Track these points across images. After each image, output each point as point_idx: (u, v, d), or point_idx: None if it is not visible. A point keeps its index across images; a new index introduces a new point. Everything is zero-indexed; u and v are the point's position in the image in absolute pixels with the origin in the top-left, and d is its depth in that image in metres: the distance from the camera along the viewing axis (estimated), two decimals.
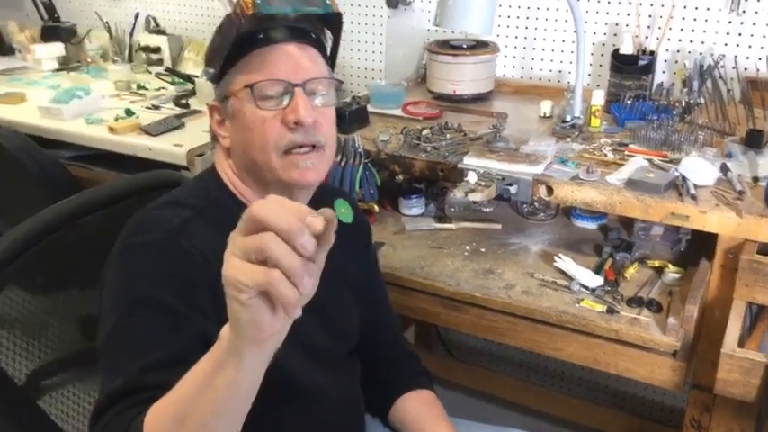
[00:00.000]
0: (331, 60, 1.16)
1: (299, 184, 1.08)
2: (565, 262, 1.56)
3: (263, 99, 1.04)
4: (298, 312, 0.67)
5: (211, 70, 1.10)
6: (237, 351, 0.70)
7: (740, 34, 1.93)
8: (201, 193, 1.11)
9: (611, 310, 1.41)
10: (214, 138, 1.15)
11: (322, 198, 1.16)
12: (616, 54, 1.96)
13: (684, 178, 1.48)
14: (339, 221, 0.68)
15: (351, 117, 1.86)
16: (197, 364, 0.76)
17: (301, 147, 1.06)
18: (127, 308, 0.97)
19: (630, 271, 1.54)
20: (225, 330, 0.71)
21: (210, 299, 0.96)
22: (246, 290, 0.64)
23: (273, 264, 0.63)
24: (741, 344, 1.30)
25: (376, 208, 1.83)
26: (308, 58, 1.07)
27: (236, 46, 1.05)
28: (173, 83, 2.58)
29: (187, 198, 1.09)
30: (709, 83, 1.85)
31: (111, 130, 2.07)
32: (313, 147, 1.07)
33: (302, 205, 0.67)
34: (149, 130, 2.06)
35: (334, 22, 1.15)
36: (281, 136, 1.04)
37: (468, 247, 1.70)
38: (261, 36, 1.05)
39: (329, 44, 1.15)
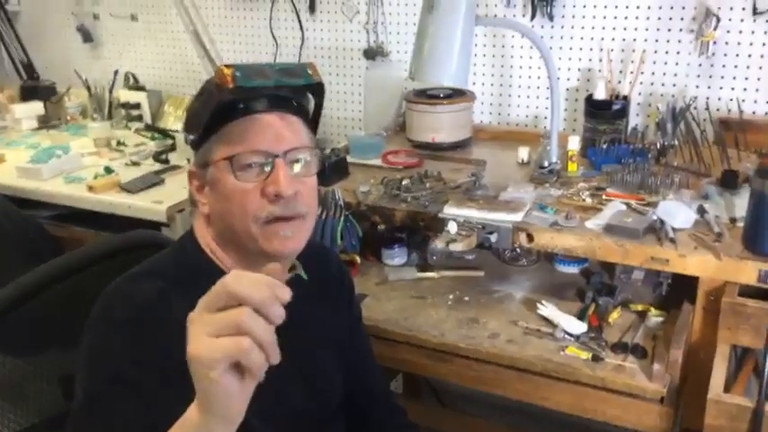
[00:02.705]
0: (314, 124, 1.15)
1: (279, 254, 1.06)
2: (548, 309, 1.56)
3: (243, 169, 1.02)
4: (261, 376, 0.69)
5: (191, 136, 1.09)
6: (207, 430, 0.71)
7: (710, 76, 1.98)
8: (180, 262, 1.09)
9: (596, 358, 1.40)
10: (193, 203, 1.13)
11: (304, 255, 1.16)
12: (590, 99, 1.99)
13: (662, 222, 1.49)
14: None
15: (330, 169, 1.87)
16: None
17: (281, 218, 1.04)
18: (96, 386, 0.94)
19: (614, 316, 1.54)
20: (191, 412, 0.72)
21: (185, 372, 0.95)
22: (218, 365, 0.66)
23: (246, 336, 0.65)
24: (728, 388, 1.30)
25: (358, 259, 1.83)
26: (288, 127, 1.06)
27: (215, 116, 1.04)
28: (152, 138, 2.59)
29: (165, 268, 1.07)
30: (682, 125, 1.88)
31: (90, 188, 2.07)
32: (292, 218, 1.05)
33: (269, 277, 0.69)
34: (129, 188, 2.06)
35: (316, 90, 1.14)
36: (260, 207, 1.03)
37: (451, 296, 1.69)
38: (241, 106, 1.03)
39: (311, 105, 1.15)
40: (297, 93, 1.10)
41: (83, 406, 0.93)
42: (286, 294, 0.68)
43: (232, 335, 0.66)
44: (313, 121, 1.15)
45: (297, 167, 1.06)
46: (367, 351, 1.39)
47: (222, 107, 1.03)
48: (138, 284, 1.02)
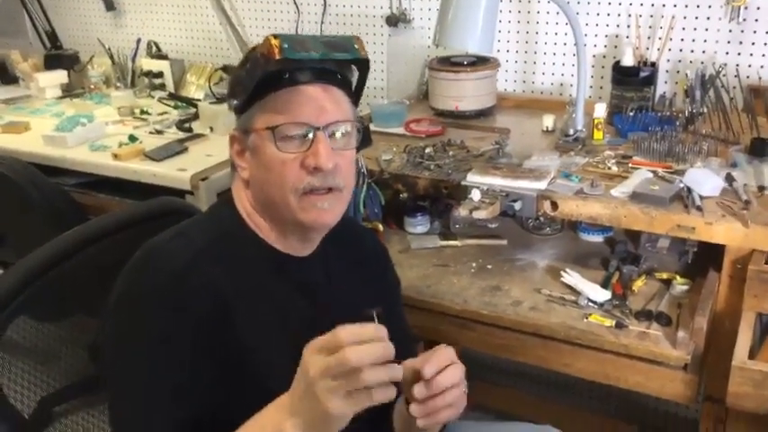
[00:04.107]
0: (356, 97, 1.15)
1: (315, 225, 1.08)
2: (572, 277, 1.55)
3: (284, 140, 1.03)
4: None
5: (234, 101, 1.09)
6: None
7: (741, 42, 1.93)
8: (214, 224, 1.10)
9: (619, 325, 1.39)
10: (233, 166, 1.14)
11: (339, 235, 1.16)
12: (617, 66, 1.97)
13: (689, 189, 1.47)
14: None
15: None
16: None
17: (319, 189, 1.05)
18: (141, 360, 0.96)
19: (638, 284, 1.53)
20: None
21: (220, 337, 0.98)
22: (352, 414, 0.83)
23: None
24: (752, 355, 1.29)
25: (381, 227, 1.83)
26: (331, 100, 1.06)
27: (260, 85, 1.04)
28: (175, 107, 2.59)
29: (199, 228, 1.08)
30: (711, 92, 1.84)
31: (115, 156, 2.08)
32: (330, 189, 1.06)
33: (378, 336, 0.83)
34: (153, 156, 2.07)
35: (361, 64, 1.14)
36: (299, 178, 1.04)
37: (474, 264, 1.69)
38: (286, 76, 1.04)
39: (355, 78, 1.14)
40: (341, 65, 1.10)
41: (124, 388, 0.96)
42: (390, 349, 0.82)
43: (359, 389, 0.80)
44: (355, 95, 1.15)
45: (337, 140, 1.06)
46: (400, 325, 1.37)
47: (267, 77, 1.03)
48: (171, 244, 1.03)
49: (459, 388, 0.94)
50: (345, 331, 0.82)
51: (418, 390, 0.91)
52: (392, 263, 1.35)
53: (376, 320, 0.87)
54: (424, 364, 0.92)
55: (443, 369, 0.93)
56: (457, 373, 0.94)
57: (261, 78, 1.04)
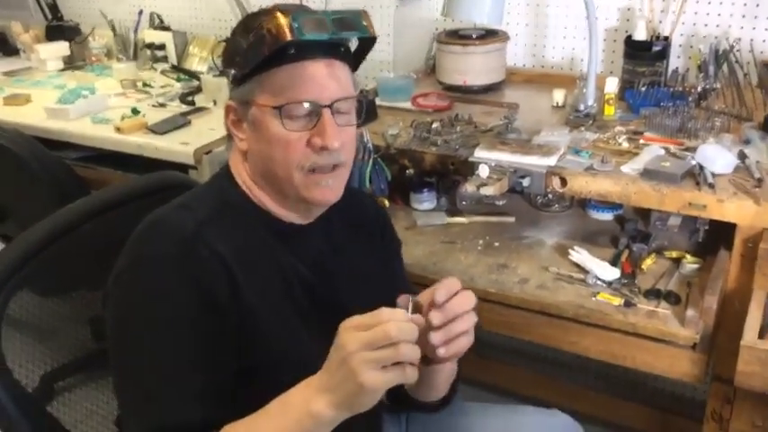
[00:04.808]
0: (355, 64, 1.13)
1: (320, 203, 1.08)
2: (580, 255, 1.53)
3: (290, 119, 1.01)
4: None
5: (232, 71, 1.06)
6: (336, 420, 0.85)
7: (756, 17, 1.89)
8: (215, 195, 1.09)
9: (628, 303, 1.38)
10: (229, 137, 1.11)
11: (341, 203, 1.14)
12: (629, 40, 1.93)
13: (701, 166, 1.44)
14: None
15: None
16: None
17: (324, 168, 1.04)
18: (153, 329, 0.95)
19: (648, 262, 1.51)
20: (320, 409, 0.84)
21: (227, 306, 0.97)
22: (386, 388, 0.83)
23: None
24: (762, 335, 1.27)
25: (386, 203, 1.81)
26: (334, 76, 1.04)
27: (266, 60, 1.01)
28: (178, 79, 2.56)
29: (201, 200, 1.07)
30: (725, 67, 1.81)
31: (118, 129, 2.06)
32: (334, 166, 1.05)
33: (412, 319, 0.85)
34: (156, 129, 2.05)
35: (368, 41, 1.12)
36: (305, 157, 1.03)
37: (481, 242, 1.67)
38: (292, 52, 1.01)
39: (354, 45, 1.12)
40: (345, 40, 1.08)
41: (136, 355, 0.95)
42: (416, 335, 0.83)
43: (394, 364, 0.80)
44: (355, 61, 1.13)
45: (341, 117, 1.04)
46: (404, 281, 1.36)
47: (273, 53, 1.00)
48: (174, 215, 1.02)
49: (472, 315, 0.92)
50: (385, 311, 0.83)
51: (435, 315, 0.88)
52: (392, 223, 1.34)
53: (410, 307, 0.87)
54: (436, 292, 0.90)
55: (454, 295, 0.91)
56: (468, 299, 0.92)
57: (267, 56, 1.01)
